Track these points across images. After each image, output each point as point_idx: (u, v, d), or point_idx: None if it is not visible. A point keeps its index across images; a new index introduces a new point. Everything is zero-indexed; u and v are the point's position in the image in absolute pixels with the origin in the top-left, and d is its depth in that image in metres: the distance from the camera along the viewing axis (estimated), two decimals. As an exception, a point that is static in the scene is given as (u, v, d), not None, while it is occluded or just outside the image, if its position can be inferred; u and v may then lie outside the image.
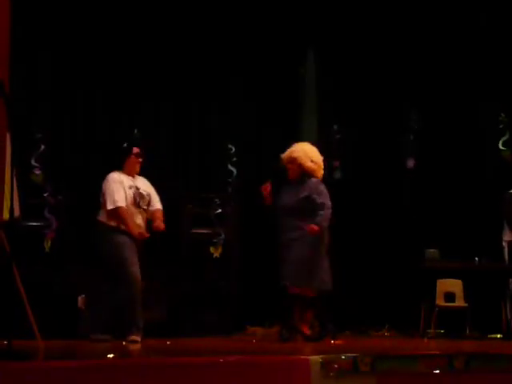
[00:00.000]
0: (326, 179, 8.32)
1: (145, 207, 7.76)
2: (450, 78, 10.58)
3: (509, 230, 9.40)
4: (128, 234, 7.57)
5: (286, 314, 7.77)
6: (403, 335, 9.60)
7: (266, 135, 10.37)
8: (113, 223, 7.60)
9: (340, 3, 10.49)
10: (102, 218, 7.68)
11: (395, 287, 9.96)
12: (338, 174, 10.49)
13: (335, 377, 5.27)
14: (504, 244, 9.44)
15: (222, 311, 9.26)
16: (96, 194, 7.79)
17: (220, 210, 9.68)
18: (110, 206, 7.57)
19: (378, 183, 10.56)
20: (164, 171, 9.81)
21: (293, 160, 7.90)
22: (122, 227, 7.59)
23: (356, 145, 10.66)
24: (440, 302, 9.48)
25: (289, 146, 8.09)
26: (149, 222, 7.81)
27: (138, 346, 7.12)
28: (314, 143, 8.32)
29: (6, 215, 6.39)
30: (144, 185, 7.87)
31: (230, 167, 10.20)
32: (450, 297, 9.51)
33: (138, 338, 7.42)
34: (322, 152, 8.13)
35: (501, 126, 10.56)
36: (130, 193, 7.68)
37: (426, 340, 8.91)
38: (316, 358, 5.30)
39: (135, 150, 7.86)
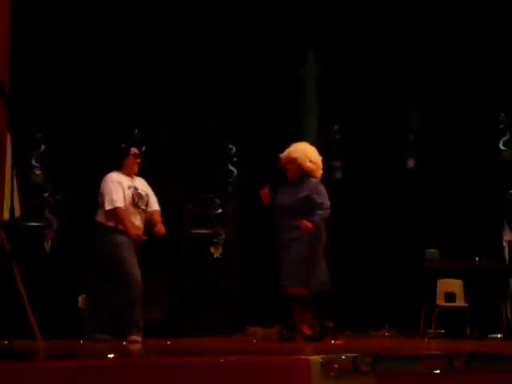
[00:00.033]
0: (326, 179, 8.33)
1: (143, 207, 7.76)
2: (450, 77, 10.58)
3: (509, 229, 9.40)
4: (126, 234, 7.57)
5: (287, 314, 7.77)
6: (403, 335, 9.60)
7: (267, 135, 10.37)
8: (111, 223, 7.60)
9: (340, 3, 10.49)
10: (100, 218, 7.67)
11: (395, 287, 9.96)
12: (338, 174, 10.50)
13: (335, 377, 5.27)
14: (504, 244, 9.44)
15: (223, 311, 9.25)
16: (96, 194, 7.79)
17: (220, 210, 9.68)
18: (108, 206, 7.57)
19: (378, 183, 10.56)
20: (164, 171, 9.81)
21: (292, 160, 7.89)
22: (120, 227, 7.59)
23: (356, 145, 10.66)
24: (440, 301, 9.48)
25: (289, 146, 8.08)
26: (147, 222, 7.81)
27: (138, 346, 7.12)
28: (314, 143, 8.32)
29: (6, 215, 6.39)
30: (142, 185, 7.87)
31: (230, 167, 10.21)
32: (450, 297, 9.51)
33: (139, 338, 7.42)
34: (322, 152, 8.13)
35: (501, 126, 10.57)
36: (129, 193, 7.68)
37: (426, 340, 8.91)
38: (316, 358, 5.29)
39: (133, 150, 7.87)
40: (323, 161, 8.06)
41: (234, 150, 10.23)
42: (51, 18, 9.42)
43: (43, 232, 8.96)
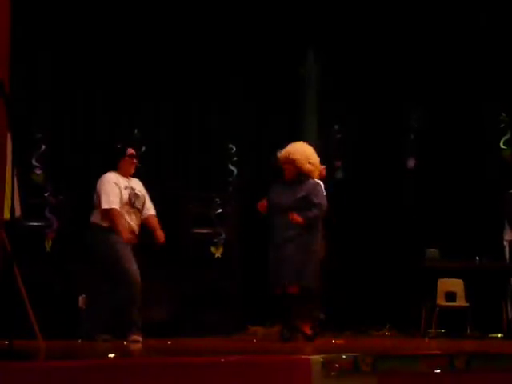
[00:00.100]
0: (326, 179, 8.33)
1: (139, 207, 7.77)
2: (450, 77, 10.58)
3: (509, 229, 9.41)
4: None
5: (287, 314, 7.76)
6: (404, 335, 9.60)
7: (267, 135, 10.37)
8: (106, 224, 7.60)
9: (340, 3, 10.49)
10: (96, 219, 7.67)
11: (396, 287, 9.96)
12: (338, 174, 10.50)
13: (336, 376, 5.26)
14: (505, 243, 9.45)
15: (223, 311, 9.25)
16: (97, 194, 7.79)
17: (221, 210, 9.68)
18: (104, 206, 7.56)
19: (378, 183, 10.56)
20: (164, 171, 9.81)
21: (291, 161, 7.87)
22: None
23: (356, 145, 10.66)
24: (441, 301, 9.48)
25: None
26: (142, 225, 7.83)
27: (138, 346, 7.12)
28: (314, 143, 8.32)
29: (6, 215, 6.38)
30: (139, 186, 7.88)
31: (230, 167, 10.21)
32: (450, 296, 9.51)
33: (140, 338, 7.42)
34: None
35: (502, 126, 10.57)
36: (126, 193, 7.68)
37: (426, 340, 8.92)
38: (317, 358, 5.29)
39: (130, 151, 7.87)
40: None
41: (234, 149, 10.23)
42: (51, 18, 9.41)
43: (44, 232, 8.96)
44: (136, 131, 9.76)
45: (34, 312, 6.93)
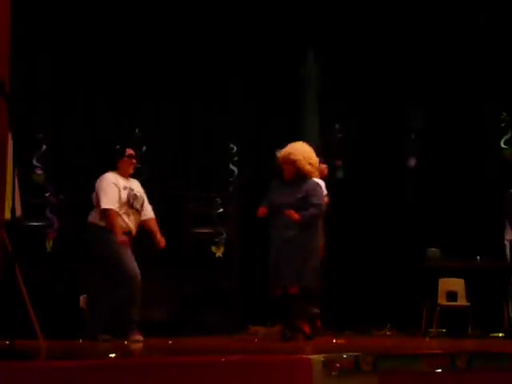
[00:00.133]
0: (327, 179, 8.32)
1: (138, 208, 7.78)
2: (451, 76, 10.58)
3: (510, 228, 9.40)
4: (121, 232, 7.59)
5: (288, 314, 7.76)
6: (405, 334, 9.59)
7: (267, 135, 10.36)
8: (104, 223, 7.61)
9: (340, 3, 10.49)
10: (94, 219, 7.68)
11: (397, 286, 9.96)
12: (339, 174, 10.50)
13: (337, 376, 5.26)
14: (506, 243, 9.44)
15: (224, 311, 9.25)
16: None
17: (221, 210, 9.69)
18: (103, 205, 7.57)
19: (379, 182, 10.55)
20: (165, 171, 9.81)
21: (291, 162, 7.86)
22: None
23: (357, 144, 10.66)
24: (442, 301, 9.48)
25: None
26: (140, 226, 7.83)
27: (139, 346, 7.12)
28: (314, 143, 8.31)
29: (7, 215, 6.39)
30: (137, 187, 7.89)
31: (231, 166, 10.21)
32: (451, 296, 9.50)
33: (141, 338, 7.43)
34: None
35: (502, 125, 10.56)
36: (125, 194, 7.69)
37: (427, 339, 8.91)
38: (318, 357, 5.29)
39: (128, 151, 7.87)
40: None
41: (235, 149, 10.23)
42: (51, 18, 9.42)
43: (44, 232, 8.97)
44: (137, 131, 9.77)
45: (34, 312, 6.94)
